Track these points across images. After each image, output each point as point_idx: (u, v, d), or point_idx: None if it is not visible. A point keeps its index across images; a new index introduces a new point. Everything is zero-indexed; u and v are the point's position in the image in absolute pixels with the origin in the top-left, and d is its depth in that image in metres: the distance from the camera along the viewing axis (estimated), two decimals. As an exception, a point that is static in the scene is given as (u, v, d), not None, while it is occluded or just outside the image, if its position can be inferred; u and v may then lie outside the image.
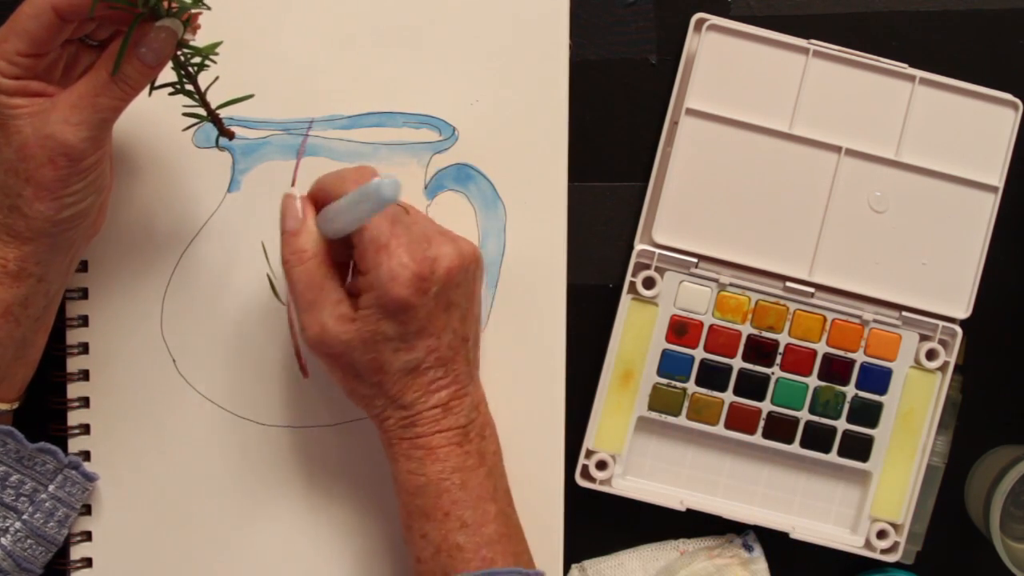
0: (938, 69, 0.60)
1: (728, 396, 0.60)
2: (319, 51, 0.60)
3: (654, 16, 0.61)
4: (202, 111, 0.52)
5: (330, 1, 0.60)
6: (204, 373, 0.60)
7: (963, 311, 0.60)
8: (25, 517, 0.54)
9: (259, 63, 0.59)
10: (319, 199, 0.53)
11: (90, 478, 0.57)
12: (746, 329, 0.60)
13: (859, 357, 0.60)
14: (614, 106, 0.61)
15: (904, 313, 0.60)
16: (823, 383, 0.61)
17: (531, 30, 0.60)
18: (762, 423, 0.61)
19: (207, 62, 0.50)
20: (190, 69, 0.50)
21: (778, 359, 0.60)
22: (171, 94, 0.51)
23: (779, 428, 0.61)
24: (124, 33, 0.47)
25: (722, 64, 0.60)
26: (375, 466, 0.60)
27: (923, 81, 0.60)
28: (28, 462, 0.54)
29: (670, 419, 0.60)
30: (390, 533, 0.60)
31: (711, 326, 0.60)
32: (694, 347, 0.60)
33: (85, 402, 0.59)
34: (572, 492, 0.60)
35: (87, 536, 0.59)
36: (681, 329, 0.60)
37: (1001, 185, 0.60)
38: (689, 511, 0.60)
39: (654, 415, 0.60)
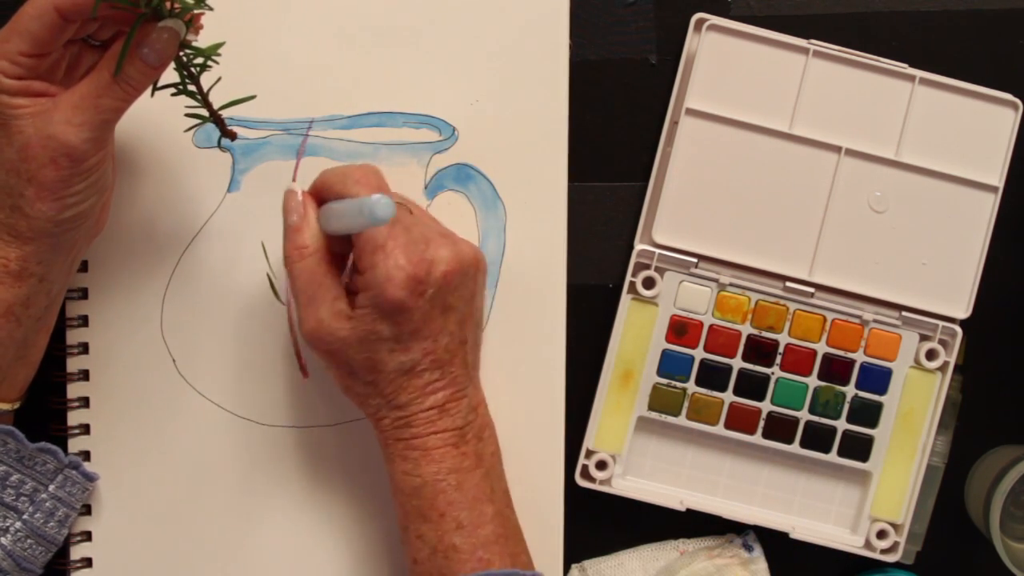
0: (938, 69, 0.60)
1: (728, 396, 0.60)
2: (319, 51, 0.60)
3: (654, 16, 0.61)
4: (204, 112, 0.52)
5: (330, 1, 0.60)
6: (204, 373, 0.60)
7: (963, 311, 0.60)
8: (25, 517, 0.54)
9: (259, 63, 0.59)
10: (322, 194, 0.53)
11: (90, 478, 0.57)
12: (746, 329, 0.60)
13: (859, 357, 0.60)
14: (614, 106, 0.61)
15: (904, 313, 0.60)
16: (823, 383, 0.61)
17: (531, 30, 0.60)
18: (762, 423, 0.61)
19: (209, 63, 0.50)
20: (192, 70, 0.50)
21: (778, 359, 0.60)
22: (173, 95, 0.51)
23: (779, 428, 0.61)
24: (126, 34, 0.47)
25: (722, 64, 0.60)
26: (375, 466, 0.60)
27: (923, 81, 0.60)
28: (28, 462, 0.54)
29: (670, 419, 0.60)
30: (389, 533, 0.60)
31: (711, 326, 0.60)
32: (694, 347, 0.60)
33: (85, 402, 0.59)
34: (572, 492, 0.60)
35: (87, 536, 0.59)
36: (681, 329, 0.60)
37: (1001, 185, 0.60)
38: (689, 511, 0.60)
39: (654, 415, 0.60)
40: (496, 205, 0.60)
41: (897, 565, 0.61)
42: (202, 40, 0.50)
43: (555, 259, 0.61)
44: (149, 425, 0.59)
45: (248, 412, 0.60)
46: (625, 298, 0.60)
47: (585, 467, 0.60)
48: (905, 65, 0.60)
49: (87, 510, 0.59)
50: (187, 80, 0.50)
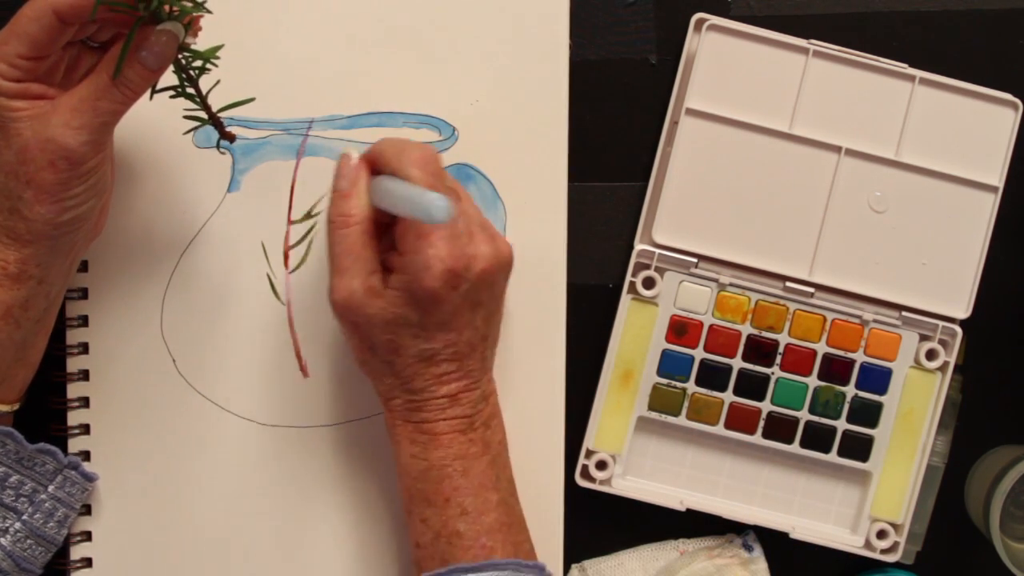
0: (938, 69, 0.60)
1: (728, 396, 0.60)
2: (319, 51, 0.60)
3: (654, 16, 0.61)
4: (203, 114, 0.52)
5: (330, 1, 0.60)
6: (204, 373, 0.60)
7: (963, 311, 0.60)
8: (25, 517, 0.54)
9: (259, 63, 0.59)
10: (376, 164, 0.52)
11: (89, 478, 0.57)
12: (746, 329, 0.60)
13: (859, 357, 0.60)
14: (614, 106, 0.61)
15: (904, 313, 0.60)
16: (823, 383, 0.61)
17: (531, 30, 0.60)
18: (762, 423, 0.61)
19: (208, 66, 0.50)
20: (191, 72, 0.50)
21: (778, 359, 0.60)
22: (172, 97, 0.51)
23: (779, 428, 0.61)
24: (125, 36, 0.47)
25: (722, 64, 0.60)
26: (375, 466, 0.60)
27: (923, 81, 0.60)
28: (28, 463, 0.54)
29: (670, 419, 0.60)
30: (389, 533, 0.60)
31: (711, 326, 0.60)
32: (694, 347, 0.60)
33: (85, 402, 0.59)
34: (572, 492, 0.60)
35: (87, 536, 0.59)
36: (681, 329, 0.60)
37: (1001, 185, 0.60)
38: (689, 511, 0.60)
39: (654, 415, 0.60)
40: (496, 205, 0.60)
41: (897, 565, 0.61)
42: (201, 43, 0.50)
43: (555, 259, 0.61)
44: (149, 425, 0.59)
45: (248, 412, 0.60)
46: (625, 298, 0.60)
47: (585, 467, 0.60)
48: (905, 65, 0.60)
49: (87, 510, 0.59)
50: (186, 83, 0.50)
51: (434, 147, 0.53)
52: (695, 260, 0.60)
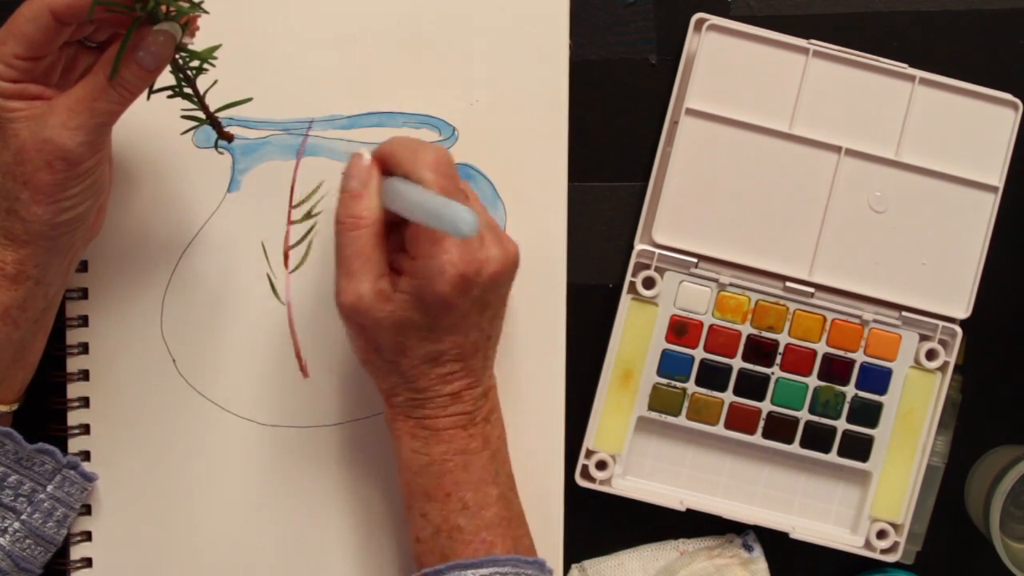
0: (938, 69, 0.60)
1: (728, 396, 0.60)
2: (319, 51, 0.60)
3: (654, 16, 0.61)
4: (201, 114, 0.52)
5: (330, 1, 0.60)
6: (204, 373, 0.60)
7: (963, 311, 0.60)
8: (24, 517, 0.54)
9: (258, 63, 0.59)
10: (386, 164, 0.52)
11: (89, 478, 0.57)
12: (746, 329, 0.60)
13: (859, 357, 0.60)
14: (614, 106, 0.61)
15: (904, 313, 0.60)
16: (823, 383, 0.61)
17: (531, 30, 0.60)
18: (762, 423, 0.61)
19: (206, 66, 0.50)
20: (189, 73, 0.50)
21: (778, 359, 0.60)
22: (169, 97, 0.51)
23: (779, 428, 0.61)
24: (122, 36, 0.47)
25: (722, 64, 0.60)
26: (375, 466, 0.60)
27: (923, 81, 0.60)
28: (27, 463, 0.54)
29: (670, 419, 0.60)
30: (389, 533, 0.60)
31: (711, 326, 0.60)
32: (694, 347, 0.60)
33: (85, 402, 0.59)
34: (572, 492, 0.60)
35: (87, 536, 0.59)
36: (681, 329, 0.60)
37: (1001, 185, 0.60)
38: (689, 511, 0.60)
39: (654, 415, 0.60)
40: (496, 205, 0.60)
41: (897, 565, 0.61)
42: (198, 43, 0.50)
43: (555, 259, 0.61)
44: (149, 425, 0.59)
45: (248, 412, 0.60)
46: (625, 298, 0.60)
47: (585, 467, 0.60)
48: (905, 65, 0.60)
49: (87, 510, 0.59)
50: (183, 83, 0.50)
51: (446, 149, 0.53)
52: (695, 260, 0.60)
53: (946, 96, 0.60)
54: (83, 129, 0.48)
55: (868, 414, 0.61)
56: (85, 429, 0.59)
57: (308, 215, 0.60)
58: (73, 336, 0.59)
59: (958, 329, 0.60)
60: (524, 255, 0.59)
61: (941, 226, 0.60)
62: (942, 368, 0.60)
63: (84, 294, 0.59)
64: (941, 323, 0.60)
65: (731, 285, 0.60)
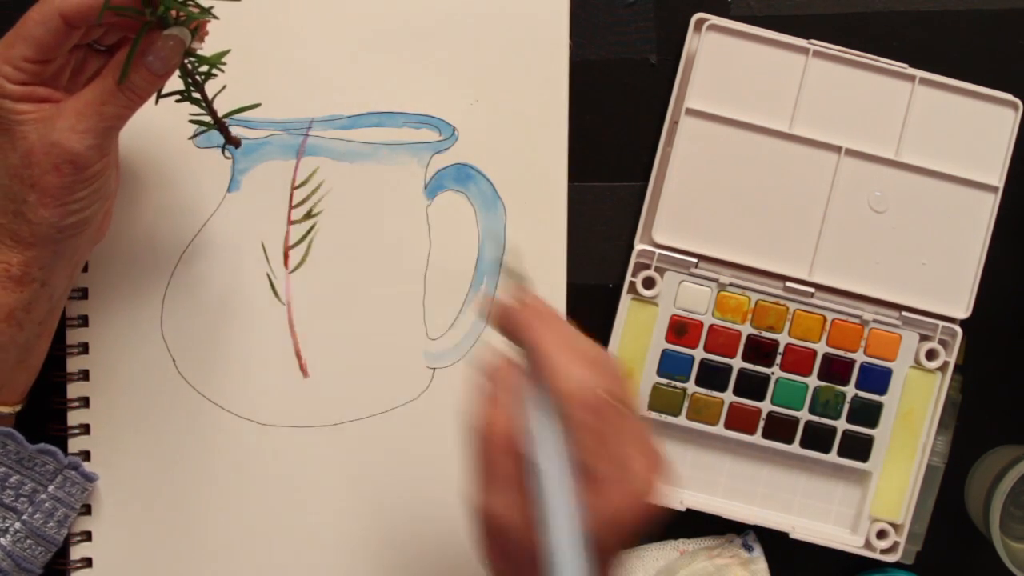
0: (938, 69, 0.60)
1: (728, 396, 0.60)
2: (319, 51, 0.60)
3: (654, 16, 0.61)
4: (208, 119, 0.52)
5: (331, 3, 0.60)
6: (204, 373, 0.60)
7: (963, 311, 0.60)
8: (25, 517, 0.54)
9: (258, 63, 0.59)
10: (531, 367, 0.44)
11: (89, 478, 0.57)
12: (746, 329, 0.60)
13: (859, 357, 0.60)
14: (614, 106, 0.61)
15: (904, 313, 0.60)
16: (823, 383, 0.61)
17: (531, 30, 0.60)
18: (762, 423, 0.61)
19: (214, 71, 0.50)
20: (197, 78, 0.50)
21: (778, 359, 0.60)
22: (178, 101, 0.50)
23: (779, 428, 0.61)
24: (132, 40, 0.47)
25: (722, 64, 0.60)
26: (375, 466, 0.60)
27: (923, 81, 0.60)
28: (28, 463, 0.54)
29: (670, 419, 0.60)
30: (389, 532, 0.60)
31: (711, 326, 0.60)
32: (694, 347, 0.60)
33: (85, 402, 0.59)
34: (572, 492, 0.60)
35: (87, 536, 0.59)
36: (681, 329, 0.60)
37: (1001, 185, 0.60)
38: (689, 511, 0.60)
39: (654, 415, 0.60)
40: (496, 205, 0.60)
41: (897, 565, 0.61)
42: (207, 48, 0.50)
43: (555, 259, 0.61)
44: (149, 425, 0.59)
45: (248, 412, 0.60)
46: (625, 298, 0.60)
47: (585, 467, 0.60)
48: (905, 65, 0.60)
49: (87, 510, 0.59)
50: (192, 88, 0.50)
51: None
52: (695, 260, 0.60)
53: (946, 96, 0.60)
54: (91, 133, 0.48)
55: (868, 414, 0.61)
56: (85, 429, 0.59)
57: (308, 215, 0.60)
58: (73, 336, 0.59)
59: (958, 329, 0.60)
60: (524, 255, 0.60)
61: (941, 226, 0.60)
62: (942, 368, 0.60)
63: (84, 294, 0.59)
64: (941, 323, 0.60)
65: (731, 285, 0.60)
